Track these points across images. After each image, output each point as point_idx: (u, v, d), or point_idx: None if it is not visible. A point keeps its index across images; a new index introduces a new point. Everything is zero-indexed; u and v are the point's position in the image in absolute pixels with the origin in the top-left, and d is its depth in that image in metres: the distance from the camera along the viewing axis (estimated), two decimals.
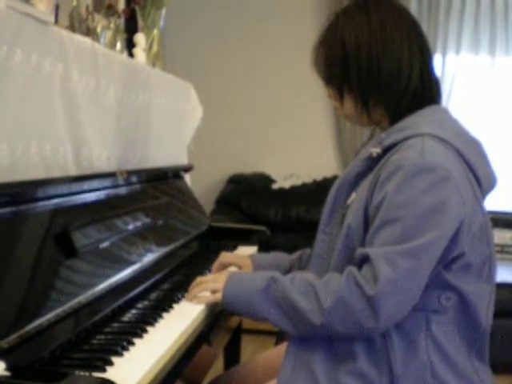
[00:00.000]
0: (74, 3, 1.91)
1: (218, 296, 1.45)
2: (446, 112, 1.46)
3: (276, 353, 1.69)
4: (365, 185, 1.38)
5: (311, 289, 1.33)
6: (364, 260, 1.30)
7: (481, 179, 1.38)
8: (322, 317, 1.30)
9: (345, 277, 1.31)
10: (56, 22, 1.66)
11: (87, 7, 2.00)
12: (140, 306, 1.54)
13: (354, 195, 1.42)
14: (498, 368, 1.75)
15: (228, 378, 1.77)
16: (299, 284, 1.36)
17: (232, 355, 2.38)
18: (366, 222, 1.34)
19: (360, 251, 1.31)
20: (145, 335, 1.33)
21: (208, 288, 1.52)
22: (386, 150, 1.37)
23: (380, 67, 1.39)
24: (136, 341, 1.28)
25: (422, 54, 1.43)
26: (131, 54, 2.30)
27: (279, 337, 2.60)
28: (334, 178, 4.05)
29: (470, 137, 1.43)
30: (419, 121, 1.38)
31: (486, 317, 1.39)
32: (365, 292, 1.26)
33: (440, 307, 1.34)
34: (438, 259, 1.28)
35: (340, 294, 1.29)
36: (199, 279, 1.57)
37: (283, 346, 1.48)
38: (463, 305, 1.35)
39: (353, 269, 1.31)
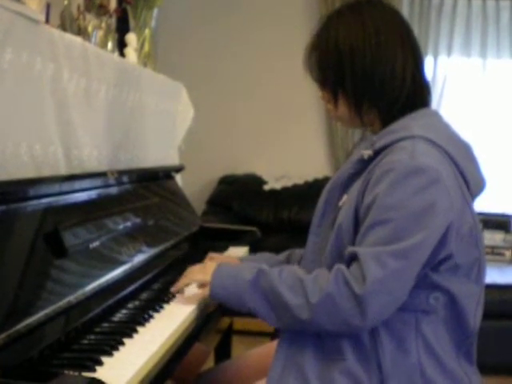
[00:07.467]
0: (66, 2, 1.90)
1: (206, 290, 1.46)
2: (437, 115, 1.47)
3: (267, 350, 1.68)
4: (356, 186, 1.39)
5: (299, 283, 1.34)
6: (353, 259, 1.31)
7: (470, 182, 1.39)
8: (308, 312, 1.31)
9: (333, 274, 1.31)
10: (47, 21, 1.65)
11: (78, 6, 1.99)
12: (130, 306, 1.54)
13: (345, 197, 1.42)
14: (487, 370, 1.76)
15: (218, 373, 1.77)
16: (287, 277, 1.36)
17: (223, 356, 2.37)
18: (357, 223, 1.35)
19: (349, 250, 1.32)
20: (135, 335, 1.33)
21: (196, 280, 1.53)
22: (378, 152, 1.38)
23: (374, 71, 1.39)
24: (126, 341, 1.28)
25: (415, 58, 1.43)
26: (122, 54, 2.30)
27: (274, 337, 2.59)
28: (326, 179, 4.05)
29: (460, 140, 1.44)
30: (410, 123, 1.39)
31: (474, 318, 1.39)
32: (353, 290, 1.27)
33: (429, 307, 1.34)
34: (425, 260, 1.29)
35: (328, 290, 1.29)
36: (188, 270, 1.58)
37: (274, 344, 1.48)
38: (452, 305, 1.36)
39: (342, 267, 1.31)
